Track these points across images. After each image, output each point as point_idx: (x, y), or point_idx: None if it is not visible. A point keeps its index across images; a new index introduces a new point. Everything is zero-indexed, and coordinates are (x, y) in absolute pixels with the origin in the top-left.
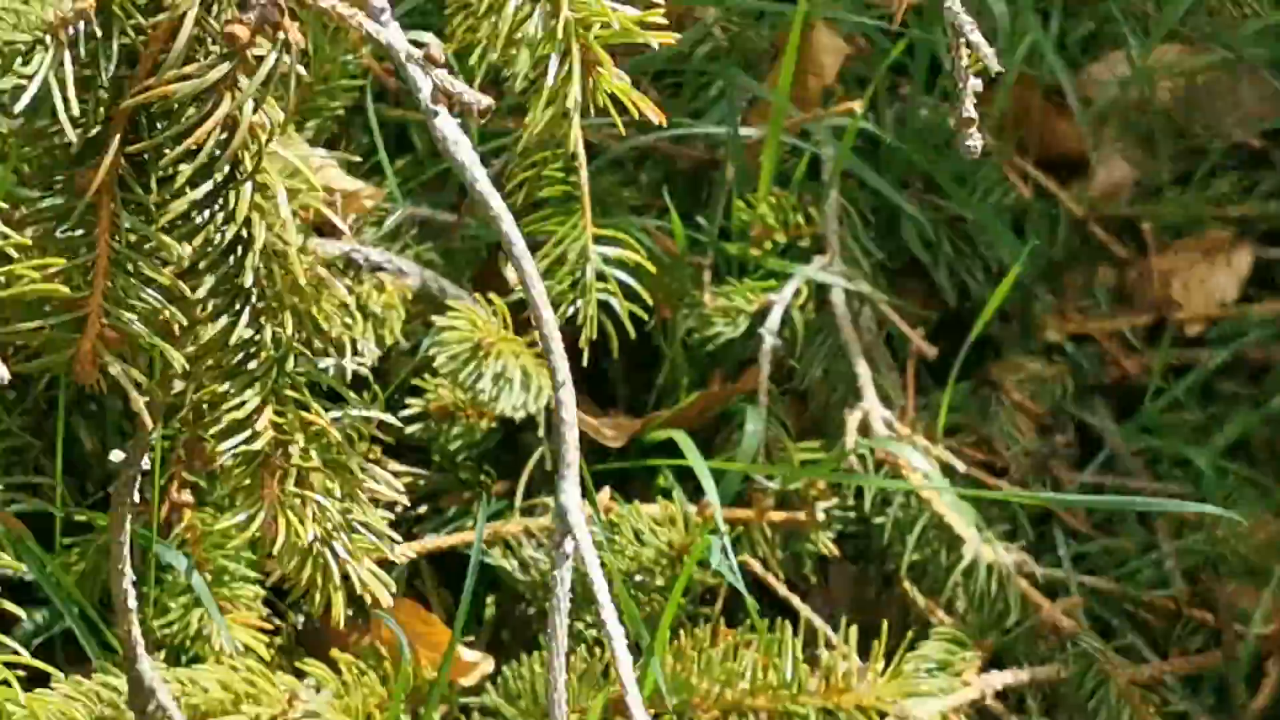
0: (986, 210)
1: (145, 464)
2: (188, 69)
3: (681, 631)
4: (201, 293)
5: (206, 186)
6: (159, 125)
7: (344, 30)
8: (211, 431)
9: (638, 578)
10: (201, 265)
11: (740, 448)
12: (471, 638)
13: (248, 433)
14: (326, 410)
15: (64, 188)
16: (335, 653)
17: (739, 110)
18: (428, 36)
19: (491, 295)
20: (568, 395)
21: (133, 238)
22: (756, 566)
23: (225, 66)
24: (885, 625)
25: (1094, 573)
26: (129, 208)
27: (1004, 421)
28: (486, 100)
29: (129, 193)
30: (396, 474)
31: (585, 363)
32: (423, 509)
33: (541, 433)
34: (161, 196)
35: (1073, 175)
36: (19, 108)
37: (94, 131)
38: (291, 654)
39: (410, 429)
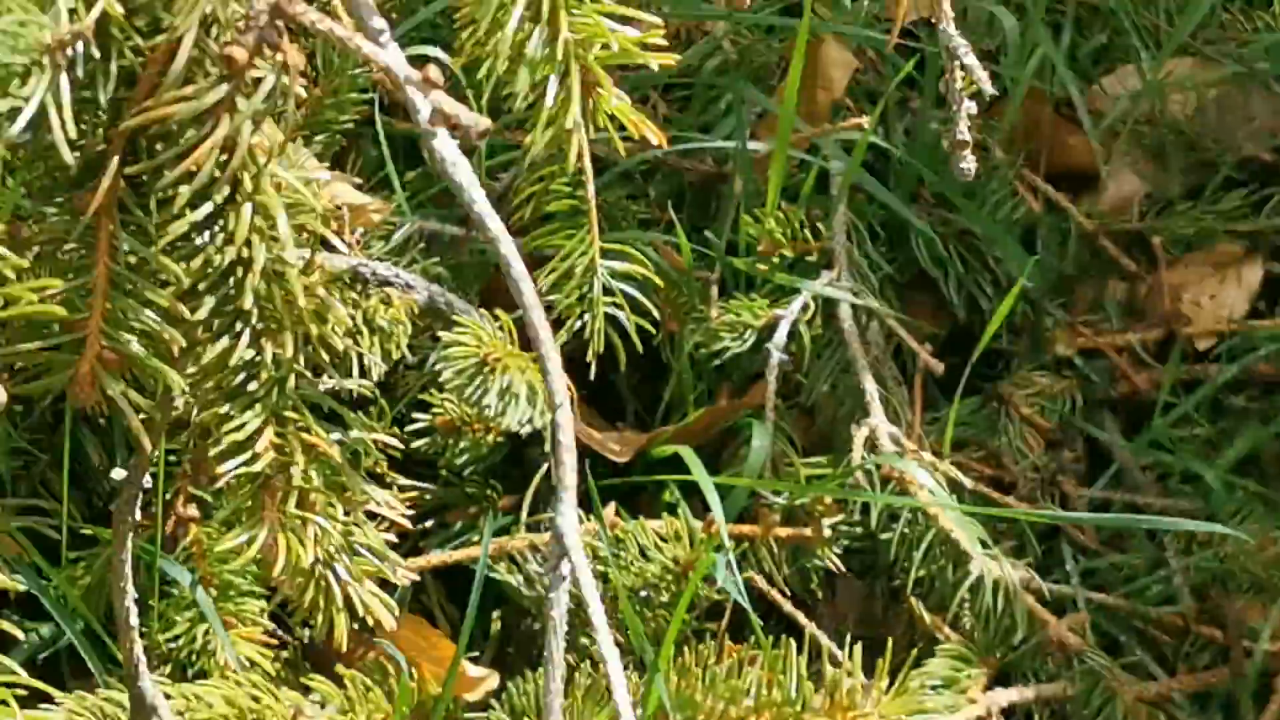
0: (996, 224)
1: (146, 482)
2: (186, 90)
3: (686, 648)
4: (201, 314)
5: (206, 208)
6: (158, 147)
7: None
8: (212, 452)
9: (643, 593)
10: (201, 287)
11: (747, 463)
12: (476, 653)
13: (248, 454)
14: (330, 430)
15: (63, 209)
16: (340, 668)
17: (748, 124)
18: (434, 52)
19: (498, 310)
20: (565, 418)
21: (132, 259)
22: (762, 582)
23: (224, 88)
24: (891, 642)
25: (1101, 589)
26: (128, 229)
27: (1012, 436)
28: (485, 122)
29: (128, 214)
30: (402, 489)
31: (593, 376)
32: (429, 524)
33: (548, 448)
34: (161, 218)
35: (1083, 189)
36: (14, 131)
37: (93, 153)
38: (297, 669)
39: (417, 444)
